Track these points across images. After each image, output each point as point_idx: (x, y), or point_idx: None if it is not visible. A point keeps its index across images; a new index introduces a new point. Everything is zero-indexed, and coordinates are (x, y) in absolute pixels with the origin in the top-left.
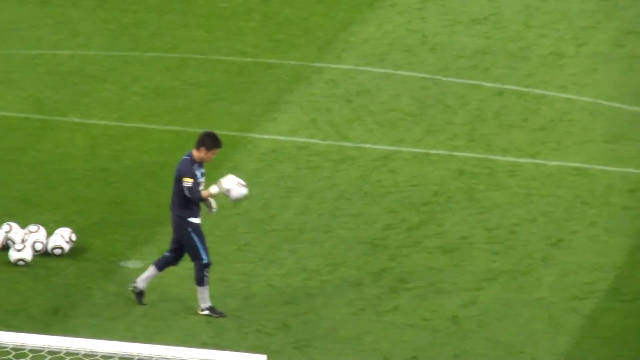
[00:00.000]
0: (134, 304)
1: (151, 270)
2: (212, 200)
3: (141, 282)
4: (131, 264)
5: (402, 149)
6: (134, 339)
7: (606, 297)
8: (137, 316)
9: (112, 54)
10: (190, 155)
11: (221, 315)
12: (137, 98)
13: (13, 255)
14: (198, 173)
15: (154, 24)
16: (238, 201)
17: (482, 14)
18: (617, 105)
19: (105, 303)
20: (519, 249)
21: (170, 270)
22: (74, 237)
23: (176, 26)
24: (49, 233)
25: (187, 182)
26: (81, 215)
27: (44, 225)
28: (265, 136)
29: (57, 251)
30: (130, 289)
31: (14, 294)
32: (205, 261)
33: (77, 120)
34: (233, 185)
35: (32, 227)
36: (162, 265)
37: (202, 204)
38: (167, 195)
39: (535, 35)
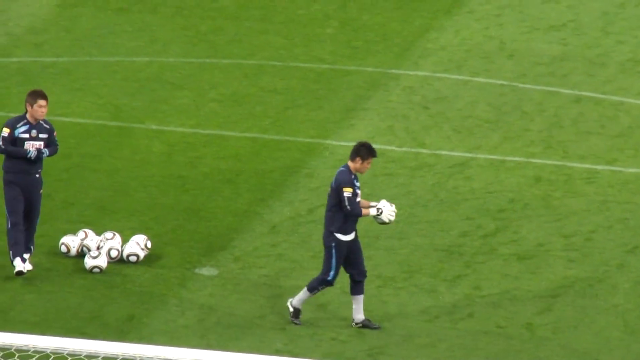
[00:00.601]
0: (208, 311)
1: (354, 300)
2: (377, 209)
3: (296, 302)
4: (206, 270)
5: (479, 155)
6: (208, 346)
7: None
8: (211, 323)
9: (189, 60)
10: (346, 166)
11: (297, 324)
12: (214, 105)
13: (88, 262)
14: (356, 185)
15: (232, 31)
16: (381, 223)
17: (560, 21)
18: None
19: (179, 310)
20: (595, 256)
21: (246, 278)
22: (149, 244)
23: (254, 33)
24: (125, 240)
25: (347, 192)
26: (157, 222)
27: (119, 232)
28: (342, 143)
29: (133, 258)
30: (357, 327)
31: (88, 301)
32: (329, 278)
33: (154, 127)
34: (387, 210)
35: (108, 234)
36: (354, 288)
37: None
38: (243, 202)
39: (613, 41)
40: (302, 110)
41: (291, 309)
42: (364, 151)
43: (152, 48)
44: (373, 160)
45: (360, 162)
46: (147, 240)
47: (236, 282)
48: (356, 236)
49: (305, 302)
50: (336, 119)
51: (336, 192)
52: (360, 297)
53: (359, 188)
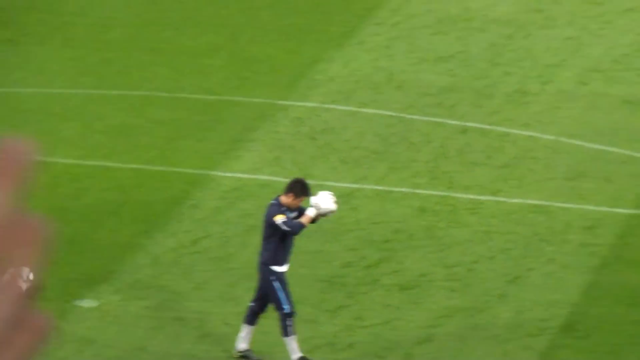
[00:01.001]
0: (87, 343)
1: (244, 329)
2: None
3: (241, 344)
4: (85, 303)
5: (365, 186)
6: None
7: (560, 333)
8: (89, 356)
9: (76, 92)
10: (277, 200)
11: None
12: (100, 136)
13: None
14: (287, 214)
15: (120, 62)
16: (328, 213)
17: (448, 52)
18: (578, 142)
19: (57, 343)
20: (477, 286)
21: (126, 310)
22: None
23: (142, 64)
24: None
25: (280, 219)
26: None
27: None
28: (228, 174)
29: None
30: (237, 356)
31: None
32: (286, 310)
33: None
34: (325, 201)
35: None
36: (251, 318)
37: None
38: (126, 233)
39: (500, 73)
40: (188, 141)
41: None
42: (298, 188)
43: (38, 79)
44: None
45: (292, 198)
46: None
47: (116, 314)
48: (287, 269)
49: (296, 347)
50: (223, 149)
51: (269, 225)
52: (252, 329)
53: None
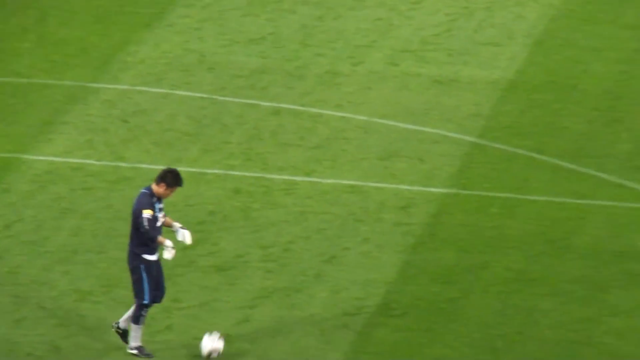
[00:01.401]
0: None
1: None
2: (167, 246)
3: (123, 322)
4: None
5: (179, 168)
6: None
7: (377, 312)
8: None
9: None
10: (149, 189)
11: (148, 356)
12: None
13: None
14: (156, 207)
15: None
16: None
17: (259, 34)
18: (390, 123)
19: None
20: (293, 267)
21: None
22: None
23: None
24: None
25: (146, 214)
26: None
27: None
28: (40, 157)
29: None
30: (114, 329)
31: None
32: (145, 301)
33: None
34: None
35: None
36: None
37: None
38: None
39: (312, 54)
40: None
41: (135, 352)
42: (170, 178)
43: None
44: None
45: (164, 187)
46: None
47: None
48: (159, 258)
49: (139, 336)
50: (34, 133)
51: (136, 215)
52: (137, 328)
53: (161, 210)
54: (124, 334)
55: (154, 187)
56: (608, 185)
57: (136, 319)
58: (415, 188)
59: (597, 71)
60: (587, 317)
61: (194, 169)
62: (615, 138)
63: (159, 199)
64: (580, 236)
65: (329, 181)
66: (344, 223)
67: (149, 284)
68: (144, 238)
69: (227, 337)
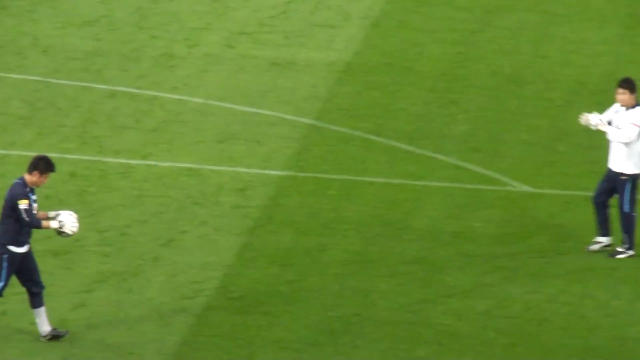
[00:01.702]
0: None
1: (36, 313)
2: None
3: (43, 327)
4: None
5: (13, 152)
6: None
7: (215, 295)
8: None
9: None
10: (22, 179)
11: None
12: None
13: None
14: (31, 198)
15: None
16: (64, 235)
17: (93, 16)
18: (227, 105)
19: None
20: (130, 250)
21: None
22: None
23: None
24: None
25: (23, 204)
26: None
27: None
28: None
29: None
30: (47, 340)
31: None
32: None
33: None
34: (69, 222)
35: None
36: (34, 301)
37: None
38: None
39: (147, 36)
40: None
41: None
42: (42, 165)
43: None
44: (51, 174)
45: (38, 175)
46: None
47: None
48: (30, 249)
49: None
50: None
51: (10, 204)
52: (42, 310)
53: (35, 201)
54: (56, 335)
55: (27, 177)
56: (445, 167)
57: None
58: (253, 171)
59: (433, 53)
60: (425, 298)
61: (28, 153)
62: (451, 120)
63: (32, 190)
64: (418, 218)
65: (166, 164)
66: (181, 206)
67: (7, 274)
68: (14, 228)
69: (63, 322)
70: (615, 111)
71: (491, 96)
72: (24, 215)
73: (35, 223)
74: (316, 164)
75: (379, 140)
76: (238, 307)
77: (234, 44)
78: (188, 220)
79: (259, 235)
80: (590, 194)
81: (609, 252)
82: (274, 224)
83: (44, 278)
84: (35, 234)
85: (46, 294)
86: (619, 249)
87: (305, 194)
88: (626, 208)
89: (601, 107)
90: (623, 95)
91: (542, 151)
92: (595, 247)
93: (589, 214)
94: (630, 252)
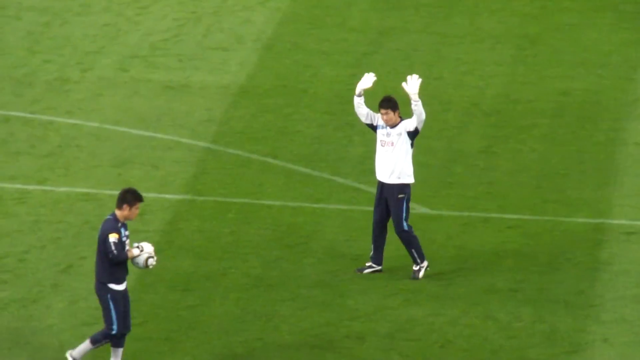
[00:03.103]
0: None
1: (113, 352)
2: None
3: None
4: None
5: None
6: None
7: None
8: None
9: None
10: (113, 215)
11: None
12: None
13: None
14: (123, 232)
15: None
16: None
17: None
18: (123, 129)
19: None
20: (29, 277)
21: None
22: None
23: None
24: None
25: (113, 238)
26: None
27: None
28: None
29: None
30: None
31: None
32: (114, 332)
33: None
34: (149, 250)
35: None
36: (116, 341)
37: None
38: None
39: (39, 61)
40: None
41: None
42: (130, 197)
43: None
44: (140, 204)
45: (128, 209)
46: None
47: None
48: (126, 287)
49: (86, 354)
50: None
51: (102, 241)
52: (120, 351)
53: (127, 237)
54: None
55: (118, 212)
56: (343, 189)
57: (95, 341)
58: (151, 195)
59: (326, 75)
60: (327, 322)
61: None
62: (347, 141)
63: (124, 225)
64: (317, 241)
65: (63, 189)
66: (79, 232)
67: (117, 314)
68: (107, 267)
69: None
70: (380, 125)
71: None
72: (113, 248)
73: (122, 256)
74: (214, 188)
75: (276, 163)
76: (139, 333)
77: (127, 67)
78: (87, 245)
79: (159, 260)
80: (490, 215)
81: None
82: (173, 249)
83: None
84: None
85: None
86: (414, 268)
87: (203, 218)
88: (405, 226)
89: (495, 129)
90: (387, 115)
91: (439, 173)
92: (368, 270)
93: (488, 236)
94: (426, 264)
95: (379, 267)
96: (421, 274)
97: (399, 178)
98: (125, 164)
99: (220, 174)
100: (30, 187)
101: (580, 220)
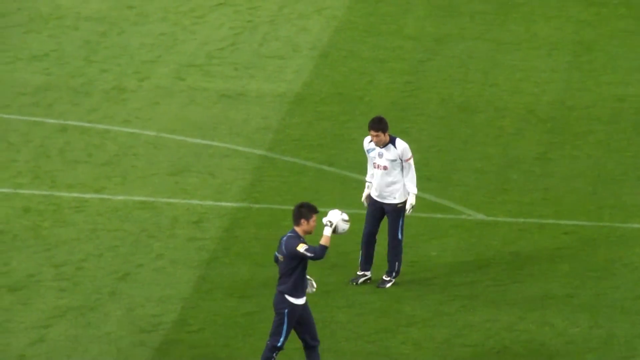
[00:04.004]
0: None
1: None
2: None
3: None
4: None
5: None
6: None
7: (173, 328)
8: None
9: None
10: (294, 232)
11: None
12: None
13: None
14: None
15: None
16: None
17: (42, 50)
18: (179, 137)
19: None
20: (87, 285)
21: None
22: None
23: None
24: None
25: (302, 247)
26: None
27: None
28: None
29: None
30: None
31: None
32: (279, 344)
33: None
34: (337, 219)
35: None
36: (310, 355)
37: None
38: None
39: (97, 70)
40: None
41: None
42: (305, 212)
43: None
44: (316, 215)
45: (306, 223)
46: None
47: None
48: (306, 300)
49: None
50: None
51: (290, 258)
52: None
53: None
54: None
55: (297, 229)
56: None
57: (266, 359)
58: (207, 203)
59: (382, 82)
60: (384, 328)
61: None
62: None
63: (303, 239)
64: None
65: (120, 198)
66: (136, 240)
67: (288, 329)
68: (293, 279)
69: (22, 358)
70: (371, 149)
71: (442, 125)
72: (309, 254)
73: (320, 251)
74: (270, 195)
75: (331, 170)
76: (197, 340)
77: (184, 76)
78: (144, 253)
79: (215, 268)
80: (545, 221)
81: (379, 282)
82: (230, 256)
83: (1, 314)
84: None
85: (3, 330)
86: (385, 278)
87: (260, 225)
88: (400, 236)
89: (551, 135)
90: (377, 137)
91: (494, 179)
92: (362, 280)
93: (544, 241)
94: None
95: (369, 275)
96: (388, 285)
97: (395, 198)
98: (182, 172)
99: (276, 182)
100: (88, 196)
101: (637, 225)
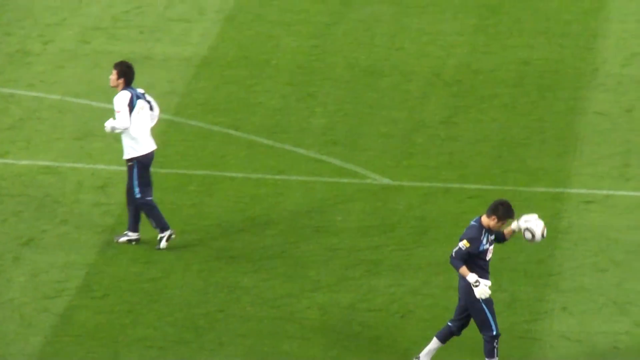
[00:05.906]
0: None
1: (434, 342)
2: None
3: (424, 356)
4: None
5: None
6: None
7: (78, 294)
8: None
9: None
10: (478, 221)
11: None
12: None
13: None
14: (484, 239)
15: None
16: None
17: None
18: (84, 102)
19: None
20: None
21: None
22: None
23: None
24: None
25: (463, 244)
26: None
27: None
28: None
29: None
30: None
31: None
32: (494, 332)
33: None
34: (533, 224)
35: None
36: (445, 336)
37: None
38: None
39: (0, 33)
40: None
41: None
42: (501, 211)
43: None
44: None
45: (495, 220)
46: None
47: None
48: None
49: None
50: None
51: None
52: (438, 346)
53: (490, 243)
54: None
55: (484, 219)
56: (305, 160)
57: (490, 352)
58: (112, 167)
59: (289, 46)
60: (289, 293)
61: None
62: (309, 113)
63: (490, 231)
64: (279, 212)
65: (24, 162)
66: (40, 205)
67: (491, 314)
68: (473, 267)
69: None
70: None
71: (348, 89)
72: (453, 253)
73: (455, 264)
74: (176, 160)
75: (238, 134)
76: (101, 306)
77: (89, 39)
78: (48, 219)
79: (121, 233)
80: (450, 185)
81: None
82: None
83: None
84: None
85: None
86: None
87: (165, 190)
88: (137, 194)
89: (457, 99)
90: (111, 75)
91: (400, 143)
92: (123, 239)
93: (449, 206)
94: (168, 233)
95: (137, 236)
96: (164, 244)
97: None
98: (87, 137)
99: (182, 146)
100: None
101: (541, 189)
